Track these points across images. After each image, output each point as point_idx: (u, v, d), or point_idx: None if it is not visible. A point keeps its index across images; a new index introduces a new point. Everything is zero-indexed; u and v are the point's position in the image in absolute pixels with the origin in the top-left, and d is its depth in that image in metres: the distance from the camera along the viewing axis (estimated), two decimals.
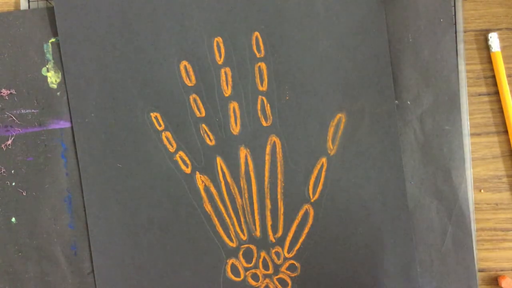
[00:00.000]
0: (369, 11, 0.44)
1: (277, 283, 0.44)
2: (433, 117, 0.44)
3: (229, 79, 0.44)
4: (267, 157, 0.44)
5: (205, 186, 0.44)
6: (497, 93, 0.45)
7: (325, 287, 0.44)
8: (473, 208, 0.44)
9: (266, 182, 0.44)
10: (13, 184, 0.44)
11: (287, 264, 0.44)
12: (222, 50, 0.44)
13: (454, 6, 0.45)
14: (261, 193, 0.44)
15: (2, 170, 0.44)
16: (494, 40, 0.45)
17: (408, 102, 0.44)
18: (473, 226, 0.44)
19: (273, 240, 0.44)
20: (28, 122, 0.44)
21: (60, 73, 0.44)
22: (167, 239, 0.44)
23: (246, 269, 0.44)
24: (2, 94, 0.44)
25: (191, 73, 0.44)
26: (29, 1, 0.45)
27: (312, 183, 0.44)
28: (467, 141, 0.44)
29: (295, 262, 0.44)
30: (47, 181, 0.44)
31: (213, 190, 0.44)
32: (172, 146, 0.44)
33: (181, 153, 0.44)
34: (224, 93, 0.44)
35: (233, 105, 0.44)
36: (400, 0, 0.44)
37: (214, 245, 0.44)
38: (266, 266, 0.44)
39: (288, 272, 0.44)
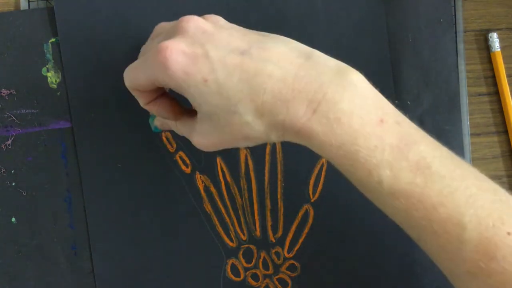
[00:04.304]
0: (369, 11, 0.44)
1: (277, 283, 0.44)
2: (433, 117, 0.44)
3: None
4: (267, 157, 0.44)
5: (205, 186, 0.44)
6: (497, 93, 0.45)
7: (325, 287, 0.44)
8: None
9: (266, 182, 0.44)
10: (13, 184, 0.44)
11: (287, 264, 0.44)
12: None
13: (454, 6, 0.45)
14: (261, 193, 0.44)
15: (2, 170, 0.44)
16: (494, 40, 0.45)
17: (408, 102, 0.44)
18: None
19: (273, 240, 0.44)
20: (28, 122, 0.44)
21: (60, 73, 0.44)
22: (167, 239, 0.44)
23: (246, 269, 0.44)
24: (2, 94, 0.44)
25: None
26: (29, 1, 0.45)
27: (312, 183, 0.44)
28: (467, 141, 0.44)
29: (295, 262, 0.44)
30: (47, 181, 0.44)
31: (213, 190, 0.44)
32: (172, 146, 0.44)
33: (181, 153, 0.44)
34: None
35: None
36: (400, 0, 0.44)
37: (214, 245, 0.44)
38: (266, 266, 0.44)
39: (288, 272, 0.44)
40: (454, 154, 0.31)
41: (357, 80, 0.29)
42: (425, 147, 0.29)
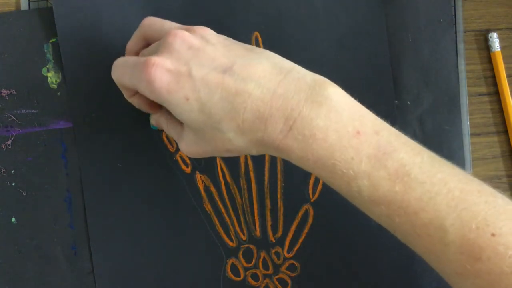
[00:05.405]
0: (369, 11, 0.44)
1: (277, 283, 0.44)
2: (433, 117, 0.44)
3: None
4: (267, 157, 0.44)
5: (205, 186, 0.44)
6: (497, 93, 0.45)
7: (324, 287, 0.44)
8: None
9: (266, 182, 0.44)
10: (13, 184, 0.44)
11: (287, 264, 0.44)
12: None
13: (454, 6, 0.45)
14: (261, 193, 0.44)
15: (2, 170, 0.44)
16: (494, 40, 0.45)
17: (408, 102, 0.44)
18: None
19: (273, 240, 0.44)
20: (28, 122, 0.44)
21: (60, 73, 0.44)
22: (167, 239, 0.44)
23: (246, 269, 0.44)
24: (2, 94, 0.44)
25: None
26: (29, 2, 0.45)
27: (312, 183, 0.44)
28: (467, 141, 0.44)
29: (295, 262, 0.44)
30: (47, 181, 0.44)
31: (213, 189, 0.44)
32: (173, 146, 0.44)
33: (181, 153, 0.44)
34: None
35: None
36: (400, 0, 0.44)
37: (214, 245, 0.44)
38: (266, 266, 0.44)
39: (288, 272, 0.44)
40: (437, 157, 0.31)
41: (334, 94, 0.30)
42: (405, 154, 0.29)
